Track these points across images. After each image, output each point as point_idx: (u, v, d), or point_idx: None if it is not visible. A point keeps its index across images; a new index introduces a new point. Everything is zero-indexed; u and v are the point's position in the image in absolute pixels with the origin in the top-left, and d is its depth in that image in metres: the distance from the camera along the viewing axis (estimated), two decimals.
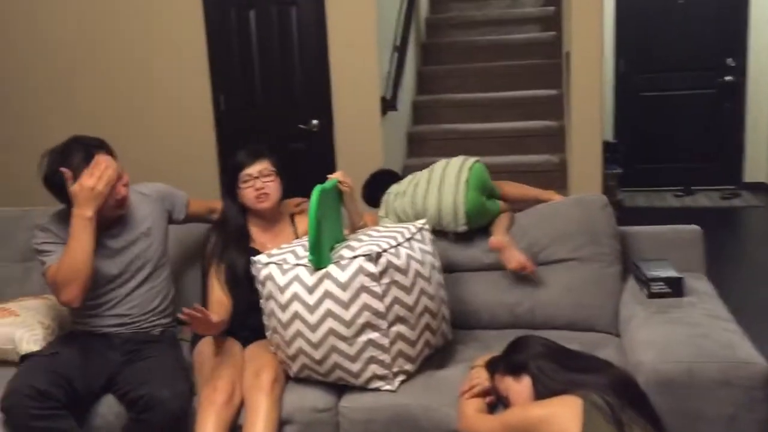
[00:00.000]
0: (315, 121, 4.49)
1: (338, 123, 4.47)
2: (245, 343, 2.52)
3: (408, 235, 2.36)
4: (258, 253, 2.49)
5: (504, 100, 5.67)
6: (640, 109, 7.33)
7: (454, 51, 6.19)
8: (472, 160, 2.78)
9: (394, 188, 2.85)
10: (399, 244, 2.28)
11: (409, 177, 2.87)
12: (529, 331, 2.47)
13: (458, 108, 5.72)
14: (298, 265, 2.26)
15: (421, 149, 5.52)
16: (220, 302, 2.50)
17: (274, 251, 2.38)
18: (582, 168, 4.30)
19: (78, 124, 4.67)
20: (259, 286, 2.36)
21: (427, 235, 2.46)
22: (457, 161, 2.79)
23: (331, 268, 2.20)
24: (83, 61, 4.66)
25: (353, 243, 2.29)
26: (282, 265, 2.29)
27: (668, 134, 7.29)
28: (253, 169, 2.60)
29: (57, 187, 2.35)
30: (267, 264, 2.31)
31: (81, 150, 2.37)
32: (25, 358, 2.42)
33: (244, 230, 2.66)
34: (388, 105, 4.59)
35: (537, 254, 2.69)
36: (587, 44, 4.16)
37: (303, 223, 2.76)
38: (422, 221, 2.52)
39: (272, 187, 2.63)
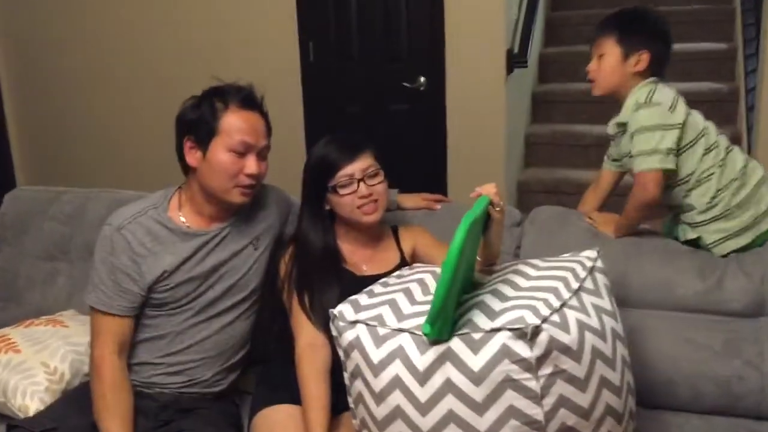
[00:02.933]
0: (422, 79, 3.72)
1: (451, 81, 3.66)
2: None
3: (575, 283, 1.46)
4: (353, 276, 1.78)
5: None
6: None
7: None
8: None
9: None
10: (564, 304, 1.39)
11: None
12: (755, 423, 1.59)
13: None
14: (401, 331, 1.42)
15: (549, 114, 4.56)
16: (313, 336, 1.71)
17: (363, 300, 1.55)
18: None
19: (148, 78, 4.05)
20: (340, 352, 1.54)
21: (602, 279, 1.56)
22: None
23: (457, 344, 1.35)
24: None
25: (490, 296, 1.43)
26: (376, 328, 1.45)
27: None
28: (354, 168, 1.79)
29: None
30: (353, 324, 1.48)
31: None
32: (12, 430, 1.68)
33: (335, 251, 1.86)
34: (515, 60, 3.63)
35: None
36: None
37: (409, 238, 1.92)
38: (594, 252, 1.61)
39: (381, 191, 1.81)
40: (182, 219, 1.78)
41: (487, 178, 3.67)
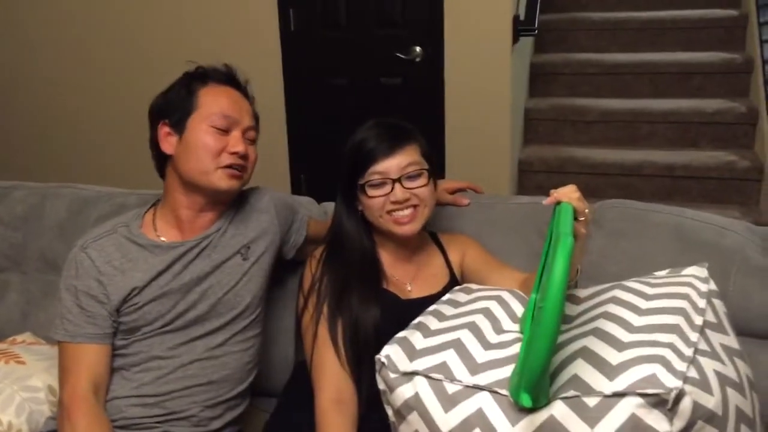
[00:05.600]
0: (418, 48, 3.33)
1: (450, 51, 3.28)
2: None
3: (698, 318, 1.13)
4: (397, 299, 1.43)
5: (663, 21, 4.27)
6: None
7: None
8: None
9: None
10: (697, 350, 1.05)
11: None
12: None
13: (599, 32, 4.37)
14: (479, 389, 1.06)
15: (548, 87, 4.22)
16: (339, 389, 1.36)
17: (418, 340, 1.18)
18: None
19: (113, 51, 3.58)
20: (389, 412, 1.18)
21: (720, 307, 1.22)
22: None
23: (562, 411, 1.00)
24: None
25: (594, 339, 1.08)
26: (443, 383, 1.09)
27: None
28: (391, 165, 1.44)
29: None
30: (409, 375, 1.12)
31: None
32: None
33: (374, 262, 1.50)
34: (521, 27, 3.28)
35: None
36: None
37: (456, 250, 1.57)
38: (703, 270, 1.28)
39: (423, 195, 1.45)
40: (157, 233, 1.51)
41: (491, 158, 3.39)
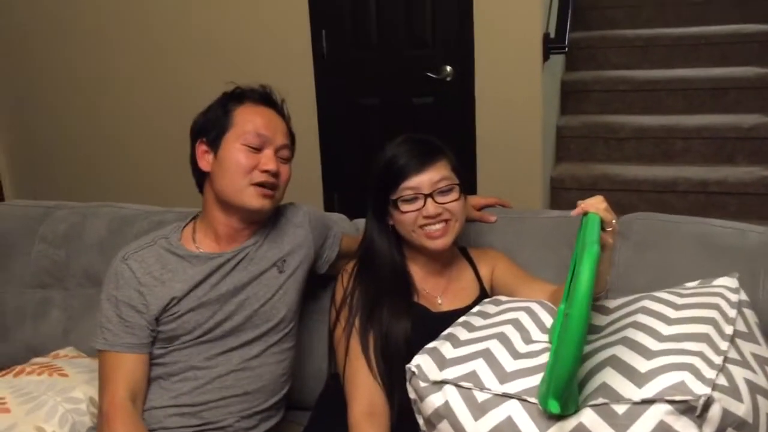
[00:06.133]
0: (449, 68, 3.36)
1: (480, 70, 3.29)
2: None
3: (728, 328, 1.13)
4: (428, 312, 1.45)
5: (696, 36, 4.25)
6: None
7: None
8: None
9: None
10: (727, 358, 1.05)
11: None
12: None
13: (630, 49, 4.35)
14: (508, 397, 1.07)
15: (580, 105, 4.21)
16: (371, 401, 1.37)
17: (448, 350, 1.20)
18: None
19: (151, 77, 3.68)
20: (420, 421, 1.20)
21: (752, 317, 1.22)
22: None
23: (591, 418, 1.01)
24: None
25: (623, 348, 1.08)
26: (473, 391, 1.11)
27: None
28: (422, 180, 1.46)
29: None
30: (439, 384, 1.14)
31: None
32: None
33: (405, 276, 1.52)
34: (552, 45, 3.29)
35: None
36: None
37: (486, 264, 1.58)
38: (734, 281, 1.28)
39: (455, 210, 1.47)
40: (196, 245, 1.55)
41: (523, 176, 3.39)
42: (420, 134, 1.55)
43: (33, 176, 4.06)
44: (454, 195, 1.47)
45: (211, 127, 1.52)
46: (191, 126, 1.56)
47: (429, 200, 1.44)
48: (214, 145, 1.50)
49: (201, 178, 1.56)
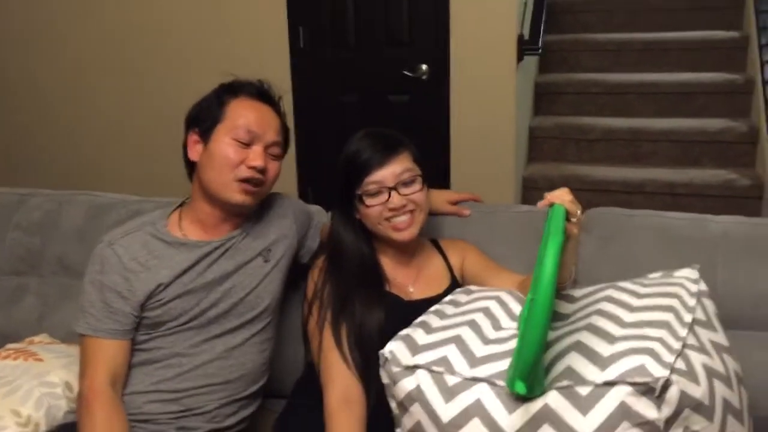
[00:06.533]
0: (424, 66, 3.41)
1: (456, 69, 3.35)
2: None
3: (687, 316, 1.18)
4: (400, 301, 1.48)
5: (666, 42, 4.35)
6: None
7: None
8: None
9: None
10: (684, 345, 1.10)
11: None
12: None
13: (601, 52, 4.44)
14: (477, 380, 1.12)
15: (552, 106, 4.28)
16: (347, 389, 1.39)
17: (420, 336, 1.24)
18: None
19: (123, 67, 3.67)
20: (393, 404, 1.23)
21: (711, 307, 1.28)
22: None
23: (556, 400, 1.05)
24: None
25: (588, 334, 1.13)
26: (443, 375, 1.15)
27: None
28: (386, 174, 1.48)
29: None
30: (411, 369, 1.18)
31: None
32: None
33: (375, 267, 1.55)
34: (526, 46, 3.35)
35: None
36: None
37: (456, 254, 1.62)
38: (694, 272, 1.33)
39: (418, 201, 1.50)
40: (182, 232, 1.55)
41: (495, 175, 3.45)
42: (380, 128, 1.57)
43: (6, 165, 4.03)
44: (417, 186, 1.50)
45: (203, 117, 1.51)
46: (186, 114, 1.55)
47: (393, 193, 1.47)
48: (205, 136, 1.50)
49: (191, 167, 1.55)
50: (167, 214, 1.58)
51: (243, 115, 1.49)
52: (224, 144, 1.47)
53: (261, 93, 1.55)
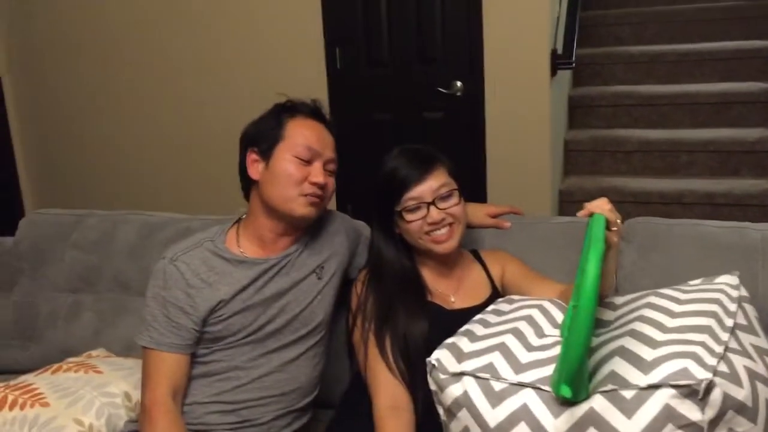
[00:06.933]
0: (459, 83, 3.44)
1: (490, 86, 3.38)
2: None
3: (728, 320, 1.21)
4: (442, 310, 1.51)
5: (700, 53, 4.33)
6: None
7: None
8: None
9: None
10: (727, 348, 1.13)
11: None
12: None
13: (634, 65, 4.44)
14: (523, 386, 1.16)
15: (586, 119, 4.30)
16: (394, 396, 1.43)
17: (465, 344, 1.28)
18: None
19: (168, 90, 3.79)
20: (441, 411, 1.28)
21: (752, 311, 1.30)
22: None
23: (601, 404, 1.09)
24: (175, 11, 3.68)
25: (630, 339, 1.16)
26: (490, 381, 1.19)
27: None
28: (424, 190, 1.53)
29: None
30: (458, 376, 1.22)
31: None
32: None
33: (417, 279, 1.59)
34: (559, 61, 3.38)
35: None
36: None
37: (496, 264, 1.66)
38: (734, 278, 1.35)
39: (456, 214, 1.55)
40: (240, 249, 1.61)
41: (532, 189, 3.47)
42: (415, 144, 1.62)
43: (51, 187, 4.17)
44: (455, 199, 1.55)
45: (263, 137, 1.56)
46: (242, 134, 1.61)
47: (432, 207, 1.52)
48: (266, 155, 1.55)
49: (248, 185, 1.61)
50: (225, 231, 1.63)
51: (302, 134, 1.54)
52: (286, 162, 1.52)
53: (315, 112, 1.61)
